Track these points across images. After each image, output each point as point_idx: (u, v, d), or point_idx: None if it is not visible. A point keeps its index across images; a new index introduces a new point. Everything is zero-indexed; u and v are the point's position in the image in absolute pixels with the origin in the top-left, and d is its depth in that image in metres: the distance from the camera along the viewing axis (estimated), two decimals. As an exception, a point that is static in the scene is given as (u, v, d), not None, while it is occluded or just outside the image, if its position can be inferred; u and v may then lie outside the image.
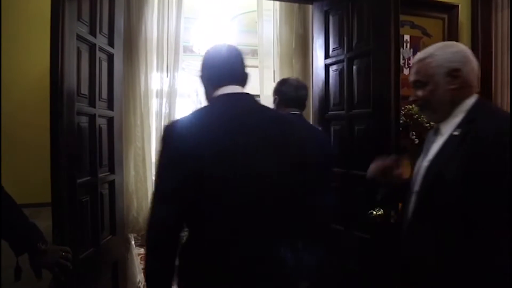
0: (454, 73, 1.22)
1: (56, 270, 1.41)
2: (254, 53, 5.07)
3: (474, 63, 1.26)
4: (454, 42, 1.35)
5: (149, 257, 1.17)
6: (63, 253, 1.43)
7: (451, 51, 1.25)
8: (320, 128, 2.32)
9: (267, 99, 3.00)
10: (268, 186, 1.20)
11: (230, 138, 1.17)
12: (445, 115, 1.27)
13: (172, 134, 1.18)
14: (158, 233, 1.15)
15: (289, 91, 2.01)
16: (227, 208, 1.16)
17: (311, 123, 2.69)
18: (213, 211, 1.17)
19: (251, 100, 1.30)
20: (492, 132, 1.12)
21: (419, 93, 1.30)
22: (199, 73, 1.36)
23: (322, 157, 1.83)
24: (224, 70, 1.29)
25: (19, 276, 1.38)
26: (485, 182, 1.09)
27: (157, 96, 2.70)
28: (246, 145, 1.17)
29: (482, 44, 2.74)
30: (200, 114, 1.27)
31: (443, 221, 1.19)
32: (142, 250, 4.19)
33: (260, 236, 1.18)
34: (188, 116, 1.26)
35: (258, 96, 2.94)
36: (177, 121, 1.26)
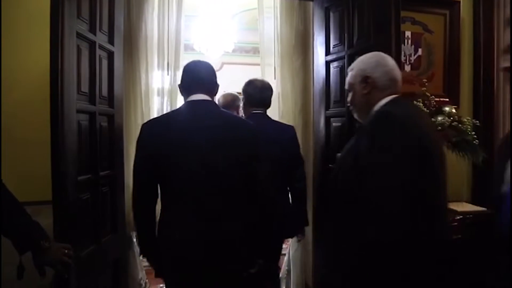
0: (366, 80, 1.39)
1: (59, 267, 1.41)
2: (256, 51, 5.08)
3: (386, 68, 1.39)
4: (375, 53, 1.48)
5: (133, 209, 1.62)
6: (66, 251, 1.43)
7: (366, 62, 1.43)
8: (290, 126, 2.43)
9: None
10: (209, 170, 1.50)
11: (185, 134, 1.52)
12: (365, 115, 1.41)
13: (143, 129, 1.60)
14: (135, 198, 1.59)
15: (254, 93, 2.24)
16: (178, 184, 1.53)
17: (312, 119, 2.70)
18: (168, 186, 1.55)
19: (211, 106, 1.64)
20: (369, 119, 1.27)
21: (348, 98, 1.51)
22: (179, 83, 1.70)
23: (279, 152, 2.10)
24: (194, 82, 1.64)
25: (21, 274, 1.38)
26: (360, 168, 1.21)
27: (158, 95, 2.70)
28: (196, 139, 1.51)
29: (483, 40, 2.72)
30: (168, 115, 1.76)
31: (343, 209, 1.30)
32: (144, 248, 4.21)
33: (206, 210, 1.50)
34: (160, 116, 1.83)
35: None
36: (150, 120, 1.71)
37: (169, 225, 1.54)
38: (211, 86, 1.67)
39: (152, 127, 1.58)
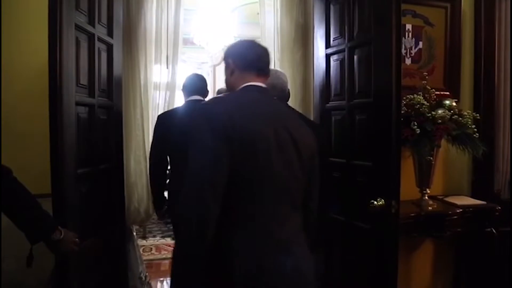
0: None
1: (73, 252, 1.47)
2: (255, 45, 5.07)
3: None
4: None
5: (150, 177, 2.48)
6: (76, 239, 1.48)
7: None
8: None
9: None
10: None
11: (181, 124, 2.18)
12: None
13: (157, 119, 2.48)
14: (150, 169, 2.45)
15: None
16: (176, 159, 2.36)
17: (312, 112, 2.72)
18: (171, 161, 2.41)
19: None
20: None
21: None
22: (182, 88, 2.53)
23: None
24: (191, 87, 2.49)
25: (31, 263, 1.41)
26: None
27: (156, 88, 2.70)
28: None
29: (485, 34, 2.71)
30: (174, 110, 2.54)
31: None
32: (144, 242, 4.22)
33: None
34: (168, 110, 2.61)
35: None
36: (162, 112, 2.59)
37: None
38: (204, 91, 2.52)
39: (160, 117, 2.45)
